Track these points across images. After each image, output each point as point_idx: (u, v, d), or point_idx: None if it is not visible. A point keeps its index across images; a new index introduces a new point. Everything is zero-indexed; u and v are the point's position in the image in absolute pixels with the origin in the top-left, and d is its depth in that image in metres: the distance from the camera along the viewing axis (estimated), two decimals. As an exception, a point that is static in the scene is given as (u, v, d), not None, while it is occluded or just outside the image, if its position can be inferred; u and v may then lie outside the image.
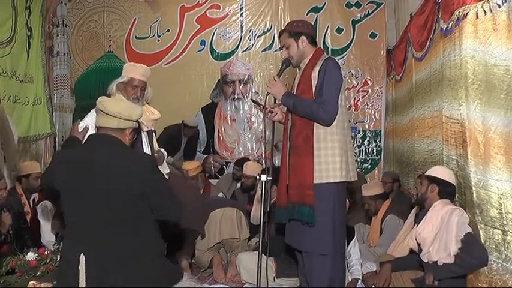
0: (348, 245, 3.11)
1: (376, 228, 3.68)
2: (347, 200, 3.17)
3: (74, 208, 1.99)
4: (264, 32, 6.06)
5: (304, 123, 2.47)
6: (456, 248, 2.41)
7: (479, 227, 2.33)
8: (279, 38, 2.72)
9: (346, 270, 3.12)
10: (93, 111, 2.57)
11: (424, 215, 2.67)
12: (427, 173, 2.77)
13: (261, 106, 2.59)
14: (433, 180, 2.67)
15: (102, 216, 1.93)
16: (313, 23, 5.53)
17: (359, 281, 3.19)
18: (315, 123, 2.44)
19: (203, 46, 6.13)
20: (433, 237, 2.52)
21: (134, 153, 2.17)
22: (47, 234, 3.75)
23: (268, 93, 2.58)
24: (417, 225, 2.71)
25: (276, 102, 2.62)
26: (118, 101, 2.23)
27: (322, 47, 2.73)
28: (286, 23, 2.75)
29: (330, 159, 2.43)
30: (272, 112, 2.66)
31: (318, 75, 2.46)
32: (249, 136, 5.98)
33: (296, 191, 2.48)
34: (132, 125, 2.08)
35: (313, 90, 2.46)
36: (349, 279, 3.19)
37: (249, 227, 3.84)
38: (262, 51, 6.07)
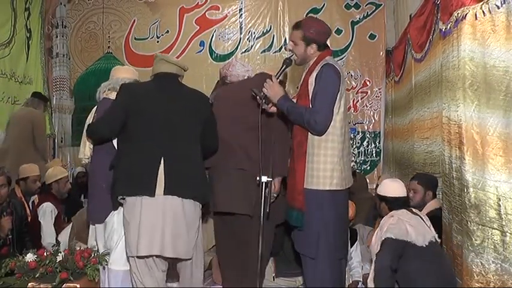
0: (350, 247, 3.11)
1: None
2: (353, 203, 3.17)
3: (154, 124, 2.48)
4: (263, 33, 6.07)
5: (299, 127, 2.46)
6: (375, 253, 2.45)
7: (477, 227, 2.33)
8: (292, 29, 2.62)
9: (347, 272, 3.12)
10: None
11: None
12: (377, 190, 2.80)
13: (258, 98, 2.54)
14: (381, 198, 2.71)
15: (177, 131, 2.52)
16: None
17: (359, 283, 3.20)
18: None
19: (202, 47, 6.13)
20: (377, 246, 2.51)
21: (199, 92, 2.79)
22: (48, 237, 3.74)
23: (264, 94, 2.52)
24: None
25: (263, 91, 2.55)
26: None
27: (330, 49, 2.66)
28: (297, 20, 2.58)
29: (322, 167, 2.40)
30: (268, 104, 2.56)
31: (315, 81, 2.42)
32: (248, 137, 5.98)
33: (289, 193, 2.53)
34: (183, 74, 2.73)
35: (310, 97, 2.43)
36: (350, 281, 3.20)
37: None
38: (261, 53, 6.07)
